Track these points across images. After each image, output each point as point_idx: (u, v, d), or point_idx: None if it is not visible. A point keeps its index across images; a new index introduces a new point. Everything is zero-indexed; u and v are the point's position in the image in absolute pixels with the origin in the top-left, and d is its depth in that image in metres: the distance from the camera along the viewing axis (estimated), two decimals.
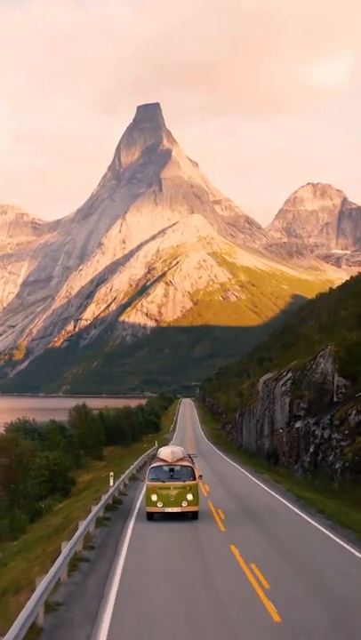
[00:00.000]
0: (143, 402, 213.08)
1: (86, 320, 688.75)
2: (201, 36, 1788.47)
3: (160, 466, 23.66)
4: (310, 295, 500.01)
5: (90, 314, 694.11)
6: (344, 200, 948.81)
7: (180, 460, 23.92)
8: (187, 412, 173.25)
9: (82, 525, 18.29)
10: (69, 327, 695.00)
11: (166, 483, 23.02)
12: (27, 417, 71.60)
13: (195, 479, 23.21)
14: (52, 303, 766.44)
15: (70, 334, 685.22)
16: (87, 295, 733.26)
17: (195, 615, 12.40)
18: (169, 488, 22.88)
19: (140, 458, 46.87)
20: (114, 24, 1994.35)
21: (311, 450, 39.24)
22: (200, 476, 24.33)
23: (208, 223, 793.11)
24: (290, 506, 26.96)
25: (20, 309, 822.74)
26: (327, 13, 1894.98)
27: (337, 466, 34.00)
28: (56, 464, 39.70)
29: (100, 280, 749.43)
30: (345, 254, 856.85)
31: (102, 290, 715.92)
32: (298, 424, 43.57)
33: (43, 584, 11.78)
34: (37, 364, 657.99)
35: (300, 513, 25.21)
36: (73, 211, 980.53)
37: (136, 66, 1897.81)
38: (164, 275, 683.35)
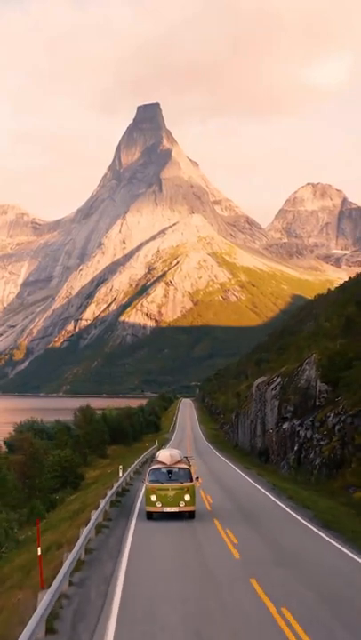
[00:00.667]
0: (143, 402, 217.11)
1: (86, 320, 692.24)
2: (201, 36, 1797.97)
3: (159, 468, 24.94)
4: (310, 295, 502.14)
5: (90, 314, 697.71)
6: (344, 200, 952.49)
7: (178, 462, 25.30)
8: (186, 413, 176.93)
9: (101, 504, 23.88)
10: (70, 327, 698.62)
11: (165, 484, 24.28)
12: (34, 417, 76.16)
13: (192, 481, 24.50)
14: (53, 303, 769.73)
15: (70, 334, 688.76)
16: (87, 295, 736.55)
17: (181, 550, 19.15)
18: (167, 489, 24.14)
19: (142, 456, 51.54)
20: (114, 24, 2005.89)
21: (296, 448, 44.02)
22: (197, 477, 25.85)
23: (208, 223, 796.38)
24: (266, 493, 32.37)
25: (20, 309, 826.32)
26: (327, 13, 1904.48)
27: (316, 462, 38.77)
28: (67, 461, 44.47)
29: (100, 280, 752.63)
30: (345, 254, 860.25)
31: (102, 290, 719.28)
32: (285, 425, 48.34)
33: (83, 536, 17.59)
34: (38, 363, 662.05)
35: (273, 497, 30.72)
36: (73, 211, 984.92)
37: (136, 66, 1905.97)
38: (164, 275, 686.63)
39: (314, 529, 22.41)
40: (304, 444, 42.55)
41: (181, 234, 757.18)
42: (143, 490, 27.11)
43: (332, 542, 20.24)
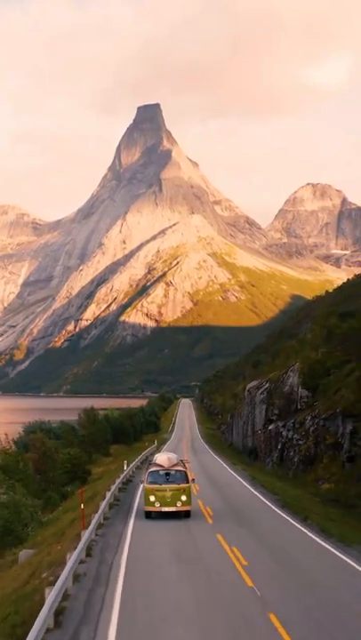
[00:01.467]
0: (144, 402, 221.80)
1: (87, 320, 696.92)
2: (201, 36, 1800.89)
3: (157, 470, 26.52)
4: (310, 295, 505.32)
5: (90, 314, 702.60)
6: (344, 200, 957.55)
7: (175, 465, 26.95)
8: (185, 413, 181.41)
9: (112, 489, 29.82)
10: (70, 327, 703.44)
11: (163, 485, 25.87)
12: (41, 419, 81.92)
13: (188, 482, 26.23)
14: (53, 303, 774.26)
15: (71, 334, 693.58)
16: (87, 295, 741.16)
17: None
18: (165, 490, 25.73)
19: (142, 454, 57.22)
20: (114, 24, 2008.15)
21: (279, 447, 49.78)
22: (193, 479, 27.81)
23: (208, 224, 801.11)
24: (244, 483, 38.57)
25: (20, 309, 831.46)
26: (327, 13, 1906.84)
27: (295, 459, 44.53)
28: (75, 458, 50.23)
29: (100, 280, 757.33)
30: (344, 254, 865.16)
31: (103, 290, 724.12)
32: (271, 426, 54.09)
33: (101, 508, 24.26)
34: (38, 363, 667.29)
35: (248, 486, 37.03)
36: (73, 211, 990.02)
37: (136, 66, 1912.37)
38: (164, 275, 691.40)
39: (273, 507, 28.74)
40: (286, 444, 48.29)
41: (181, 234, 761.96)
42: (141, 490, 29.32)
43: (283, 515, 26.97)
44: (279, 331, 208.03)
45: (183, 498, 25.69)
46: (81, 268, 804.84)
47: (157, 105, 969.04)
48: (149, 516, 25.94)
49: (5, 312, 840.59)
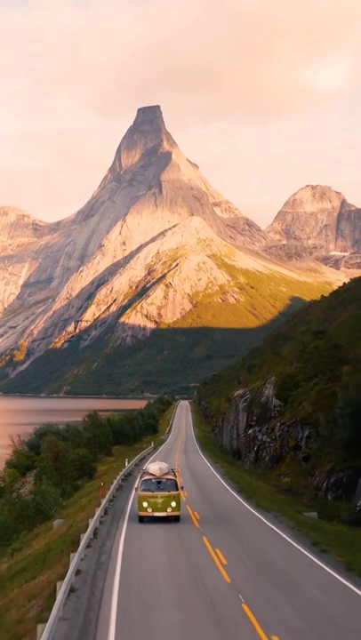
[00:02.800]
0: (143, 403, 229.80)
1: (87, 321, 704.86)
2: (202, 39, 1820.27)
3: (150, 479, 28.82)
4: (309, 297, 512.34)
5: (90, 315, 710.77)
6: (343, 202, 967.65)
7: (166, 474, 29.22)
8: (182, 416, 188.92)
9: (117, 479, 39.46)
10: (70, 328, 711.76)
11: (155, 492, 28.19)
12: (50, 422, 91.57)
13: (177, 490, 28.55)
14: (53, 304, 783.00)
15: (71, 335, 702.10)
16: (87, 296, 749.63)
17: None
18: (157, 497, 28.05)
19: (140, 454, 66.81)
20: (115, 27, 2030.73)
21: (255, 449, 59.50)
22: (182, 487, 30.28)
23: (208, 225, 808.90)
24: (218, 475, 48.57)
25: (20, 310, 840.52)
26: (327, 17, 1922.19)
27: (266, 458, 54.29)
28: (84, 457, 59.86)
29: (100, 281, 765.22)
30: (344, 256, 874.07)
31: (102, 291, 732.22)
32: (250, 431, 63.84)
33: (113, 487, 34.72)
34: (38, 364, 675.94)
35: (220, 478, 47.00)
36: (73, 212, 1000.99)
37: (137, 69, 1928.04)
38: (163, 277, 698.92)
39: (233, 492, 38.68)
40: (260, 446, 58.07)
41: (181, 236, 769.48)
42: (134, 497, 32.47)
43: (237, 497, 36.77)
44: (275, 335, 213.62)
45: (173, 504, 28.12)
46: (81, 269, 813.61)
47: (157, 107, 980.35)
48: (142, 520, 28.35)
49: (6, 313, 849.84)
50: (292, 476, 45.60)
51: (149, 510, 28.03)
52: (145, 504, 28.12)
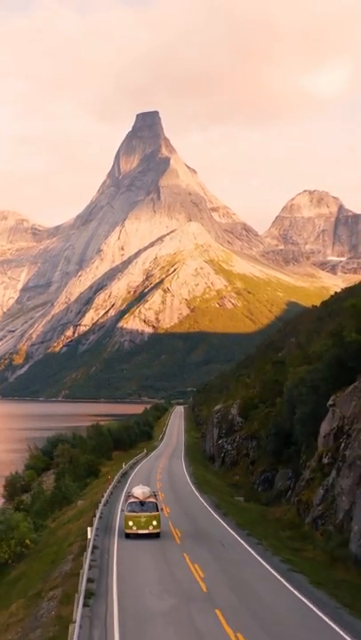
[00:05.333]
0: (141, 407, 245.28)
1: (85, 326, 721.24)
2: (202, 44, 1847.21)
3: (135, 501, 33.28)
4: (305, 302, 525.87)
5: (89, 319, 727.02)
6: (340, 207, 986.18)
7: (149, 497, 33.47)
8: (175, 423, 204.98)
9: (116, 476, 59.34)
10: (69, 332, 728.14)
11: (138, 513, 32.74)
12: (60, 432, 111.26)
13: (158, 511, 33.13)
14: (52, 308, 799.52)
15: (69, 339, 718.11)
16: (86, 301, 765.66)
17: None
18: (140, 517, 32.61)
19: (134, 458, 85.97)
20: (116, 32, 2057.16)
21: (222, 455, 78.94)
22: (162, 508, 35.43)
23: (205, 231, 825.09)
24: (186, 474, 67.99)
25: (19, 314, 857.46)
26: (327, 22, 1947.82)
27: (228, 462, 73.69)
28: (91, 461, 79.22)
29: (98, 286, 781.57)
30: (341, 261, 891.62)
31: (101, 296, 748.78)
32: (220, 441, 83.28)
33: (115, 480, 55.10)
34: (37, 368, 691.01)
35: (187, 475, 66.36)
36: (72, 217, 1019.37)
37: (138, 73, 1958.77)
38: (161, 282, 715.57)
39: (192, 485, 57.79)
40: (226, 453, 77.46)
41: (179, 241, 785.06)
42: (120, 516, 37.49)
43: (193, 488, 55.54)
44: (266, 344, 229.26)
45: (154, 523, 32.92)
46: (80, 273, 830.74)
47: (156, 112, 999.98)
48: (128, 536, 32.85)
49: (5, 317, 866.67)
50: (242, 475, 64.89)
51: (134, 528, 32.99)
52: (130, 523, 33.04)
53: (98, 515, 37.11)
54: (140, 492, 33.90)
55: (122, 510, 36.85)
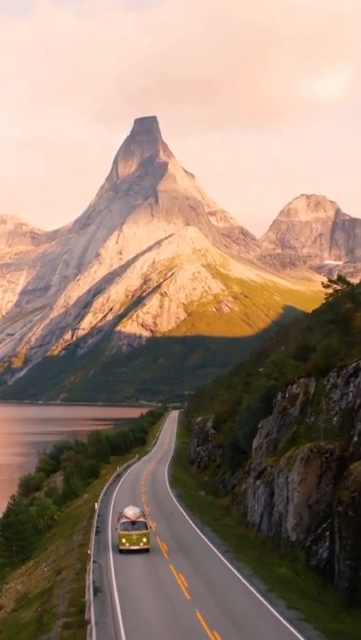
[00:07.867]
0: (138, 410, 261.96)
1: (83, 329, 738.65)
2: (202, 49, 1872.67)
3: (127, 521, 38.60)
4: (302, 306, 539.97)
5: (87, 323, 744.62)
6: (338, 211, 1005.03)
7: (139, 517, 38.96)
8: (169, 428, 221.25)
9: (112, 476, 79.93)
10: (67, 336, 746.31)
11: (130, 531, 38.15)
12: (65, 439, 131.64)
13: (147, 529, 38.64)
14: (51, 312, 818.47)
15: (68, 343, 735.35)
16: (84, 305, 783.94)
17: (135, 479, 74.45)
18: (132, 535, 37.99)
19: (128, 462, 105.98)
20: (116, 37, 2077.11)
21: (198, 460, 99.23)
22: (150, 526, 40.70)
23: (203, 235, 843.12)
24: (165, 475, 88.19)
25: (18, 318, 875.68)
26: (326, 27, 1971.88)
27: (201, 465, 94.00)
28: (93, 465, 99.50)
29: (97, 290, 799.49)
30: (337, 265, 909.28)
31: (99, 300, 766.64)
32: (198, 448, 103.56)
33: (112, 477, 76.32)
34: (36, 371, 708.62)
35: (166, 475, 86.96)
36: (71, 221, 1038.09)
37: (137, 78, 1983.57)
38: (159, 286, 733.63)
39: (167, 483, 77.93)
40: (201, 458, 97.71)
41: (176, 245, 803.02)
42: (115, 534, 41.00)
43: (167, 485, 76.02)
44: (259, 352, 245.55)
45: (144, 540, 38.06)
46: (78, 277, 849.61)
47: (154, 117, 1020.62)
48: (122, 552, 37.68)
49: (4, 320, 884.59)
50: (209, 476, 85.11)
51: (127, 545, 37.82)
52: (123, 540, 38.02)
53: (100, 499, 57.89)
54: (131, 512, 39.24)
55: (115, 529, 41.26)
